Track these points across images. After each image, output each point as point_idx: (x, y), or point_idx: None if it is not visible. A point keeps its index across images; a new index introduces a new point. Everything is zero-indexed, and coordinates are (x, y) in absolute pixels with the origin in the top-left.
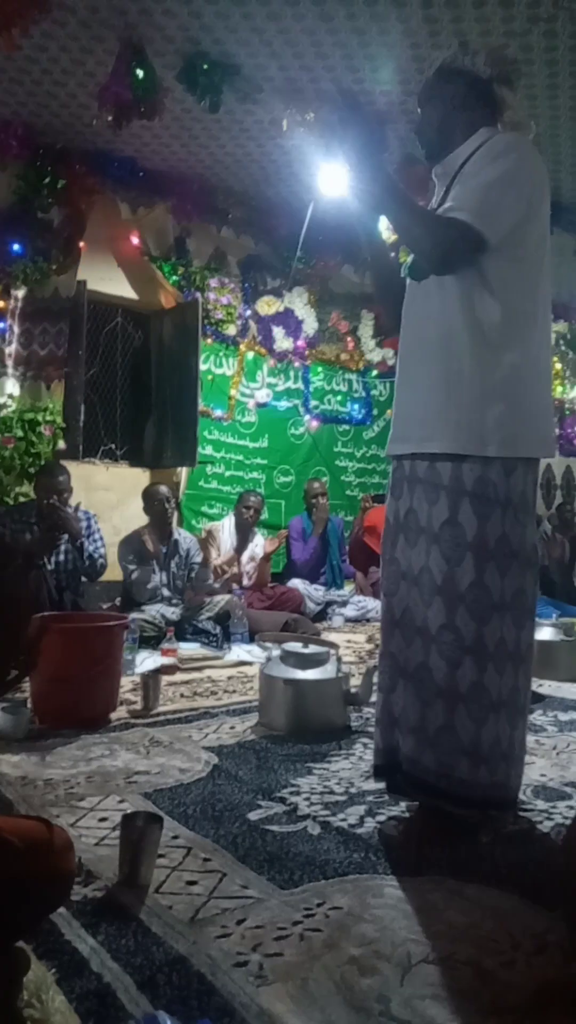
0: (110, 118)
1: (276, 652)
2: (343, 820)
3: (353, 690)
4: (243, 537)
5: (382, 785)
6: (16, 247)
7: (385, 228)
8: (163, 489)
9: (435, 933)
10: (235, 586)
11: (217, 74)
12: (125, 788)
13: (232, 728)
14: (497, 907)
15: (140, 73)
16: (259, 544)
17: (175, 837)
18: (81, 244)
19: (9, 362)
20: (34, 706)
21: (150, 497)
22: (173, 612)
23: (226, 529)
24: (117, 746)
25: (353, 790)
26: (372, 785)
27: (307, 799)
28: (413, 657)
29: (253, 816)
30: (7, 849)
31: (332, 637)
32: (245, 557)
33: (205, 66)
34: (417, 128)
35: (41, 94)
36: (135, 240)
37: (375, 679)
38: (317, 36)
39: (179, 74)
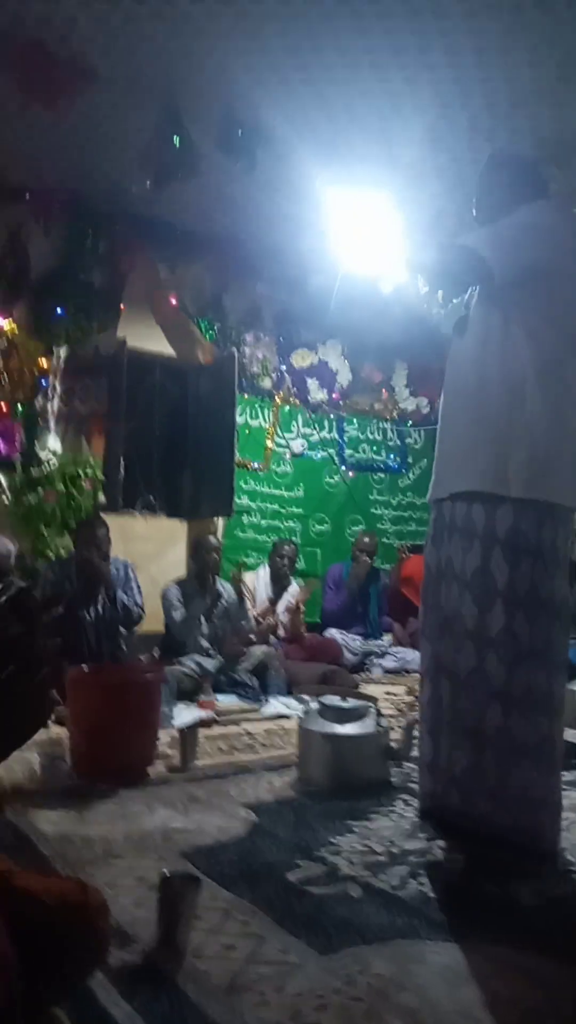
0: (149, 183)
1: (314, 705)
2: (384, 881)
3: (393, 744)
4: (279, 587)
5: (424, 844)
6: (59, 308)
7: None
8: (213, 540)
9: (479, 1004)
10: (272, 637)
11: (252, 138)
12: (163, 846)
13: (270, 784)
14: (544, 977)
15: (177, 140)
16: (293, 593)
17: (213, 899)
18: (121, 304)
19: (51, 419)
20: (72, 759)
21: (200, 547)
22: (211, 664)
23: (261, 579)
24: (155, 802)
25: (395, 849)
26: (414, 844)
27: (347, 859)
28: (447, 700)
29: (292, 876)
30: (41, 911)
31: (371, 689)
32: (281, 607)
33: (240, 131)
34: (476, 202)
35: (84, 161)
36: (173, 298)
37: (415, 733)
38: (349, 99)
39: (216, 139)
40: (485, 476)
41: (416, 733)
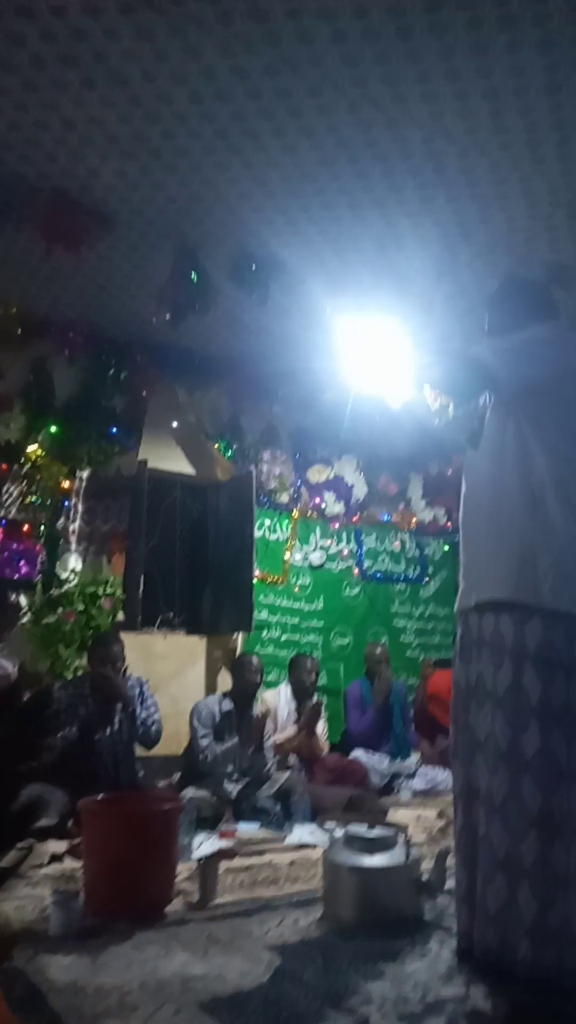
0: (168, 316)
1: (340, 834)
2: None
3: (425, 876)
4: (302, 705)
5: (463, 990)
6: (82, 433)
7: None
8: (256, 661)
9: None
10: (295, 759)
11: (264, 272)
12: (181, 995)
13: (296, 923)
14: None
15: (194, 276)
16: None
17: None
18: (142, 426)
19: (73, 539)
20: (86, 897)
21: (242, 666)
22: (233, 788)
23: (283, 697)
24: (173, 944)
25: (430, 997)
26: (452, 990)
27: (379, 1008)
28: (480, 828)
29: None
30: None
31: (400, 813)
32: (320, 729)
33: (253, 266)
34: (488, 328)
35: (105, 297)
36: (192, 420)
37: (449, 862)
38: (354, 233)
39: (230, 274)
40: (511, 583)
41: (450, 863)
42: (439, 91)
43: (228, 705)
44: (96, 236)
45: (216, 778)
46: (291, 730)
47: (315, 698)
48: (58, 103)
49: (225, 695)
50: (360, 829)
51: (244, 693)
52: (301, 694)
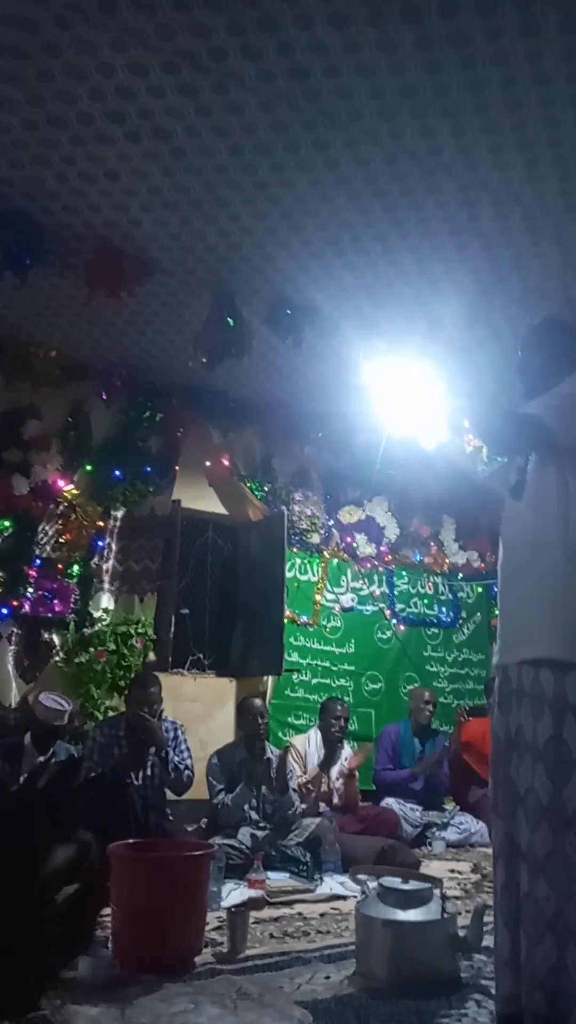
0: (204, 359)
1: (372, 885)
2: None
3: (461, 933)
4: (330, 751)
5: None
6: (117, 473)
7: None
8: (257, 703)
9: None
10: (325, 807)
11: (299, 316)
12: None
13: (327, 978)
14: None
15: (231, 321)
16: (347, 757)
17: None
18: (176, 467)
19: (106, 578)
20: (114, 947)
21: (244, 711)
22: (260, 836)
23: (312, 742)
24: (202, 998)
25: None
26: None
27: None
28: (523, 887)
29: None
30: None
31: (433, 866)
32: (334, 773)
33: (288, 311)
34: (520, 367)
35: (144, 341)
36: (225, 461)
37: (486, 919)
38: (389, 279)
39: (265, 319)
40: (555, 641)
41: (487, 919)
42: (474, 144)
43: (242, 753)
44: (137, 283)
45: (243, 824)
46: (313, 770)
47: (346, 745)
48: (104, 157)
49: (237, 743)
50: (394, 882)
51: (252, 737)
52: (331, 740)
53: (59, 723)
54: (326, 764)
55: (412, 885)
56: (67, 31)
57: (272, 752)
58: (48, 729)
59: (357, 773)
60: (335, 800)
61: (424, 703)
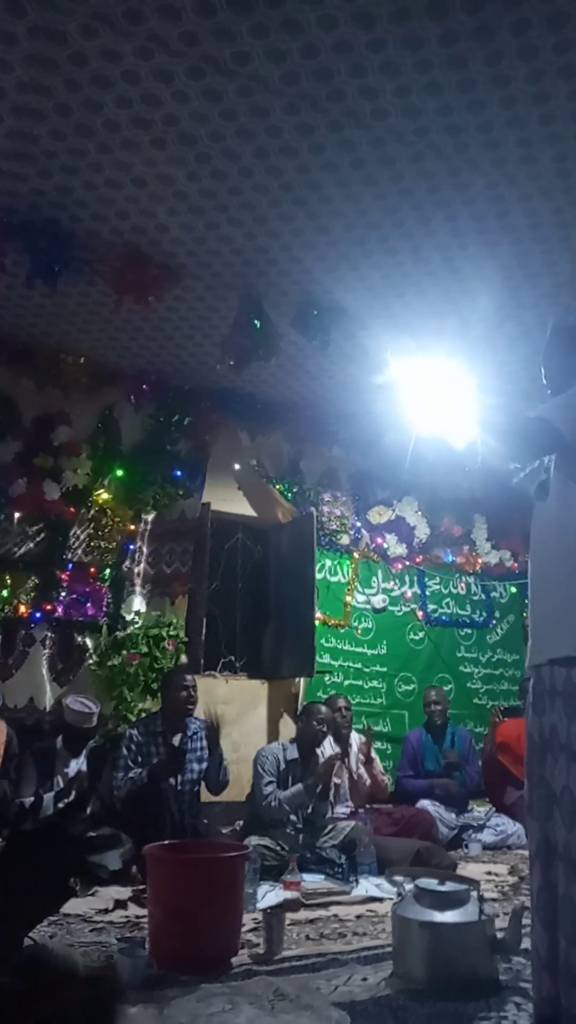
0: (232, 363)
1: (408, 887)
2: None
3: (499, 935)
4: (342, 747)
5: None
6: (148, 477)
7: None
8: (325, 710)
9: None
10: (360, 810)
11: (326, 317)
12: None
13: (364, 980)
14: None
15: (258, 324)
16: (356, 742)
17: None
18: (206, 470)
19: (137, 581)
20: (152, 947)
21: (310, 715)
22: (297, 838)
23: (327, 743)
24: (239, 998)
25: None
26: None
27: None
28: (560, 888)
29: None
30: None
31: (469, 868)
32: (353, 763)
33: (315, 312)
34: (545, 363)
35: (172, 346)
36: (254, 463)
37: (525, 921)
38: (415, 278)
39: (292, 320)
40: None
41: (526, 921)
42: (501, 139)
43: (293, 753)
44: (164, 288)
45: (280, 826)
46: (336, 755)
47: (353, 732)
48: (130, 163)
49: (292, 741)
50: (431, 883)
51: (310, 742)
52: (339, 732)
53: (88, 725)
54: (343, 756)
55: (449, 887)
56: (93, 40)
57: (321, 754)
58: (79, 732)
59: (375, 755)
60: (366, 782)
61: (431, 703)
